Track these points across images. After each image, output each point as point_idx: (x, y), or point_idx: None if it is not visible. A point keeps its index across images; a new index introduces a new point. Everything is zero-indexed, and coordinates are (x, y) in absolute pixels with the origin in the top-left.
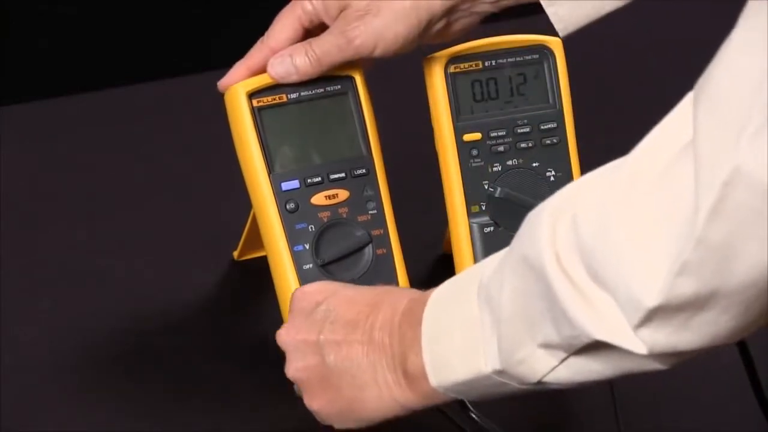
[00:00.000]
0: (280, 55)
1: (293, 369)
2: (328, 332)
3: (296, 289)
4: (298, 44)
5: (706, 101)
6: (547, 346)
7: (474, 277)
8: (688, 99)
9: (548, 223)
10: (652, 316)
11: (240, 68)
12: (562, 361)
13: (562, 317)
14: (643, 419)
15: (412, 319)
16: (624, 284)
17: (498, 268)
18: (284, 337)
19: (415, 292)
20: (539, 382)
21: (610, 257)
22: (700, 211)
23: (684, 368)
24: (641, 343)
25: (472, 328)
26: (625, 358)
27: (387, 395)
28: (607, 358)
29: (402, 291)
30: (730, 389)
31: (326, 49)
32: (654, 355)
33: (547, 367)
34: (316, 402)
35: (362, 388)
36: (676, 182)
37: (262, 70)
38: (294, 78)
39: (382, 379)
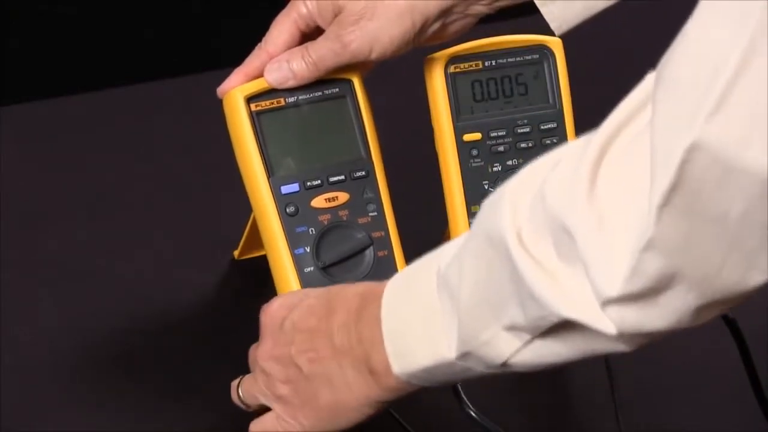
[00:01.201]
0: (276, 61)
1: (278, 385)
2: (298, 343)
3: (262, 309)
4: (295, 49)
5: (666, 80)
6: (511, 328)
7: (431, 266)
8: (650, 77)
9: (510, 202)
10: (621, 293)
11: (238, 75)
12: (527, 343)
13: (528, 297)
14: (643, 419)
15: (367, 315)
16: (592, 261)
17: (457, 254)
18: (260, 356)
19: (365, 286)
20: (503, 365)
21: (578, 233)
22: (659, 188)
23: (684, 368)
24: (610, 322)
25: (433, 316)
26: (590, 339)
27: (359, 395)
28: (573, 339)
29: (352, 288)
30: (730, 389)
31: (322, 54)
32: (621, 336)
33: (512, 349)
34: (301, 414)
35: (338, 392)
36: (639, 160)
37: (261, 75)
38: (291, 83)
39: (350, 380)
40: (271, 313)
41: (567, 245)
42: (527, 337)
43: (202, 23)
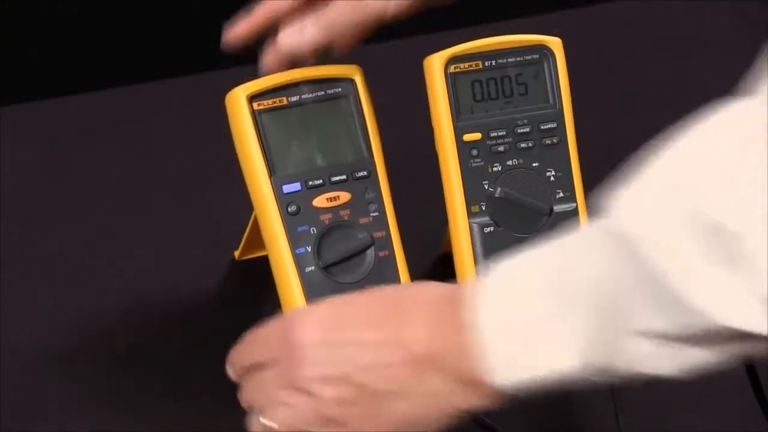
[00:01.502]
0: (290, 26)
1: (332, 407)
2: (358, 359)
3: (283, 329)
4: (309, 15)
5: None
6: (647, 334)
7: (532, 267)
8: None
9: (647, 198)
10: None
11: (243, 24)
12: (665, 348)
13: (673, 302)
14: (644, 420)
15: (455, 322)
16: (758, 256)
17: (572, 253)
18: (300, 380)
19: (441, 290)
20: (634, 375)
21: (742, 223)
22: None
23: None
24: None
25: (544, 324)
26: (747, 343)
27: (446, 405)
28: (725, 343)
29: (422, 292)
30: (730, 389)
31: (334, 18)
32: None
33: (645, 357)
34: None
35: (416, 405)
36: None
37: (265, 27)
38: (305, 47)
39: (437, 391)
40: (302, 332)
41: (720, 243)
42: (666, 342)
43: (202, 23)
